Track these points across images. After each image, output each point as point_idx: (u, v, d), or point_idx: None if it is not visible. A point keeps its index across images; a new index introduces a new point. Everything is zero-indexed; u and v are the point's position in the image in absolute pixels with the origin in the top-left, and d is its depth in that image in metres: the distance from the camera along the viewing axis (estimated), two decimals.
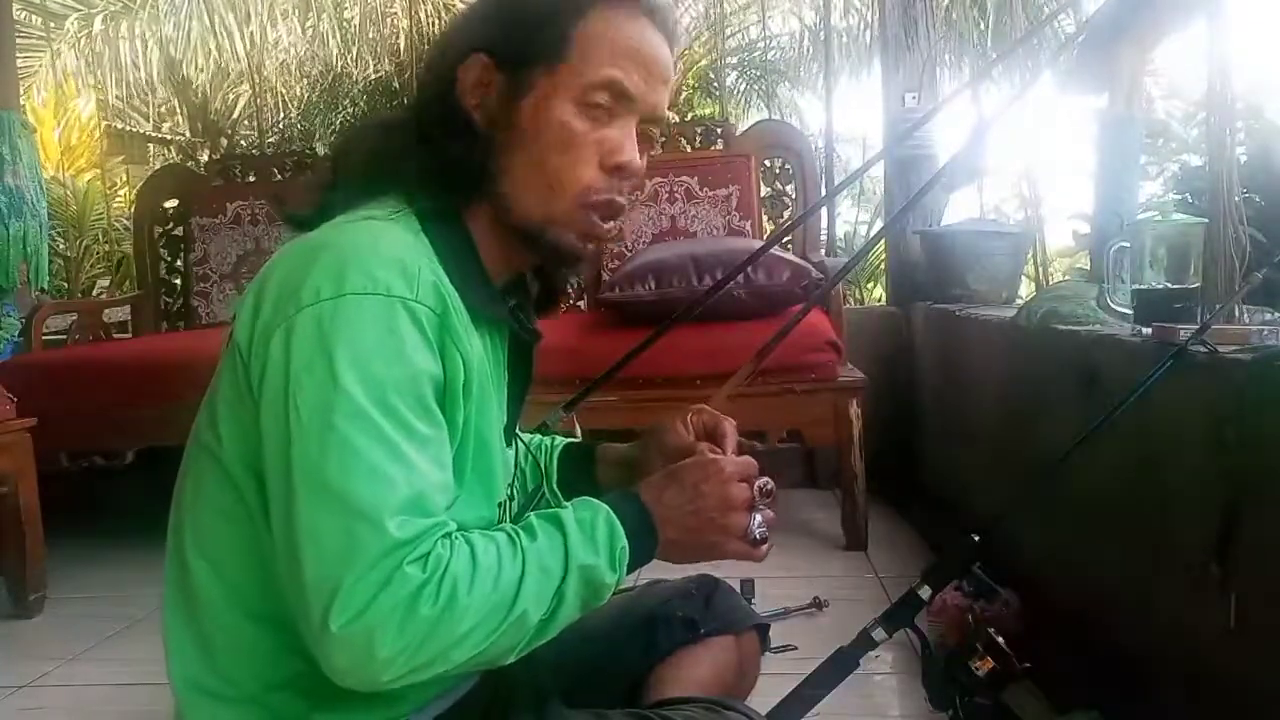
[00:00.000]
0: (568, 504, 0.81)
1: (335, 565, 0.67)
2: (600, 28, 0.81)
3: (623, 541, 0.79)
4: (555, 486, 1.07)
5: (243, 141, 7.42)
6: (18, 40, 4.02)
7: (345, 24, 6.94)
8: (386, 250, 0.75)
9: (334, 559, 0.68)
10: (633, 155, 0.83)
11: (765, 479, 0.85)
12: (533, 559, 0.74)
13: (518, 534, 0.76)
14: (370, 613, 0.67)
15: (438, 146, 0.82)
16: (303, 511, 0.69)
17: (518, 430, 1.00)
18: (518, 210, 0.83)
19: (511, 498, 0.95)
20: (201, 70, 6.88)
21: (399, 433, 0.70)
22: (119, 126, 7.43)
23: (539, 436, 1.12)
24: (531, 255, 0.88)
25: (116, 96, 7.20)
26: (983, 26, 5.48)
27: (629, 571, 0.80)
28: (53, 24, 6.62)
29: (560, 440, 1.11)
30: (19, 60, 3.93)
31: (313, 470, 0.69)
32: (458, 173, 0.82)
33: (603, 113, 0.81)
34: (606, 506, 0.80)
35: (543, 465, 1.08)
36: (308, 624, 0.69)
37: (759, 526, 0.84)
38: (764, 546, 0.84)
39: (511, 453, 0.94)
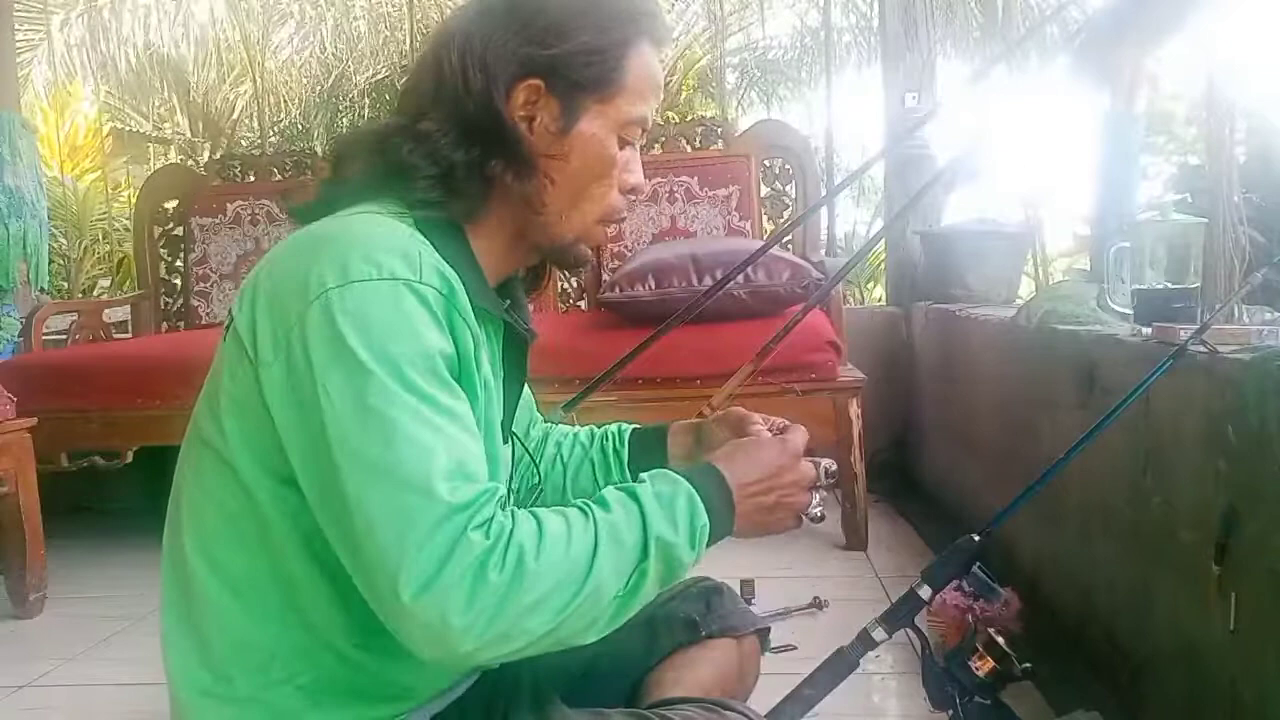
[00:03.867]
0: (645, 476, 0.80)
1: (395, 538, 0.68)
2: (639, 62, 0.85)
3: (703, 519, 0.78)
4: (626, 469, 1.08)
5: (243, 141, 7.42)
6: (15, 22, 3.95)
7: (347, 24, 6.94)
8: (387, 238, 0.76)
9: (392, 533, 0.68)
10: (641, 176, 0.91)
11: (829, 460, 0.89)
12: (605, 531, 0.74)
13: (589, 506, 0.76)
14: (440, 581, 0.67)
15: (476, 161, 0.83)
16: (353, 495, 0.69)
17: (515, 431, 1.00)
18: (555, 227, 0.87)
19: (508, 494, 0.95)
20: (202, 67, 6.89)
21: (426, 406, 0.71)
22: (119, 126, 7.43)
23: (605, 426, 1.12)
24: (549, 262, 0.95)
25: (109, 92, 7.20)
26: (979, 29, 5.48)
27: (706, 548, 0.80)
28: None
29: (627, 426, 1.11)
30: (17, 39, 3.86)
31: (355, 453, 0.70)
32: (496, 187, 0.84)
33: (628, 141, 0.88)
34: (686, 481, 0.80)
35: (603, 451, 1.09)
36: (379, 602, 0.70)
37: (817, 506, 0.88)
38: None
39: (508, 450, 0.94)
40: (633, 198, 0.91)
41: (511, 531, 0.70)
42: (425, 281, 0.74)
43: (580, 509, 0.76)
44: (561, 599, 0.71)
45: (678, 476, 0.80)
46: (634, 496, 0.77)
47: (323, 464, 0.71)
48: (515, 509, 0.74)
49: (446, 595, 0.67)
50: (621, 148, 0.87)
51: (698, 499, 0.78)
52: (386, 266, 0.73)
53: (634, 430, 1.10)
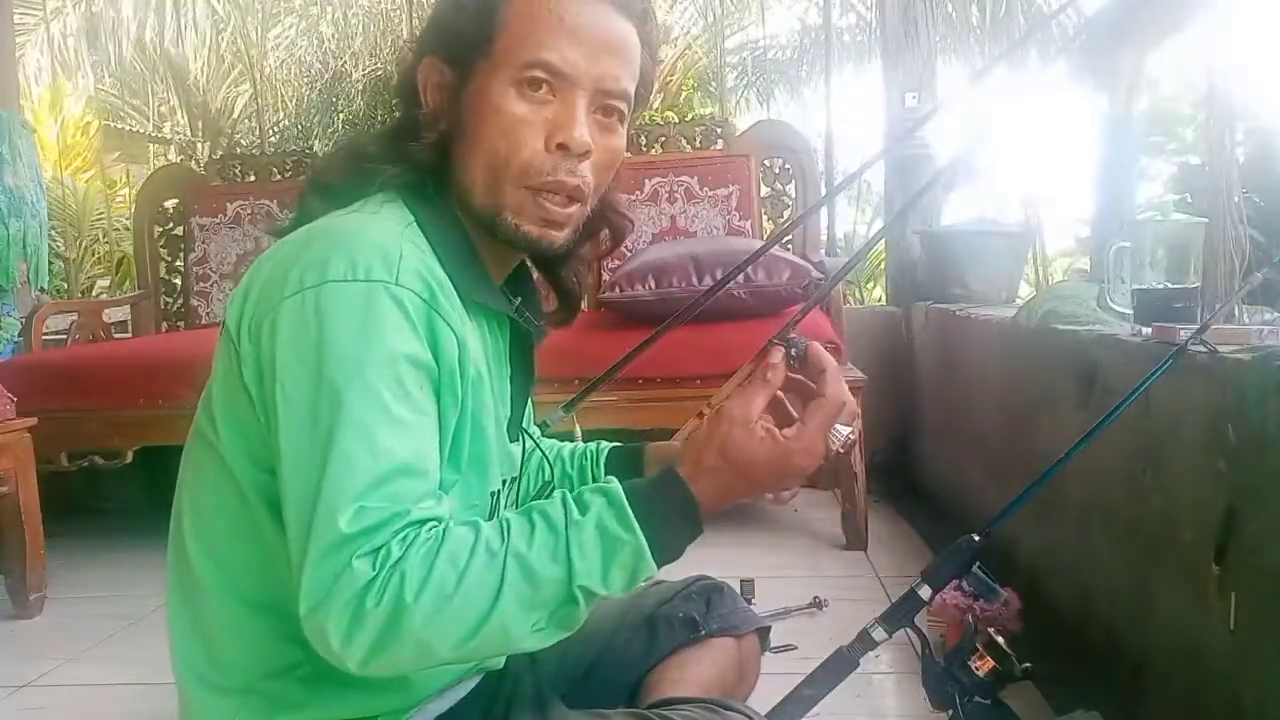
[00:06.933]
0: (594, 504, 0.74)
1: (300, 546, 0.69)
2: (527, 5, 0.80)
3: (649, 572, 0.74)
4: None
5: (243, 140, 7.41)
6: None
7: (345, 21, 6.94)
8: (369, 237, 0.76)
9: (298, 547, 0.69)
10: (576, 132, 0.80)
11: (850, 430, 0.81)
12: (516, 568, 0.70)
13: (507, 531, 0.72)
14: (324, 606, 0.68)
15: (409, 151, 0.83)
16: (285, 496, 0.71)
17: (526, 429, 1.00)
18: (474, 201, 0.83)
19: (516, 494, 0.95)
20: (201, 66, 6.88)
21: (372, 415, 0.70)
22: (118, 126, 7.42)
23: (582, 445, 1.10)
24: (505, 246, 0.87)
25: (114, 94, 7.19)
26: (980, 30, 5.48)
27: (672, 559, 0.76)
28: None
29: (605, 445, 1.08)
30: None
31: (291, 451, 0.71)
32: (427, 173, 0.84)
33: (545, 93, 0.80)
34: (641, 533, 0.73)
35: (581, 471, 1.06)
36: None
37: (847, 436, 0.81)
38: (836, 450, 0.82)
39: (517, 448, 0.94)
40: (572, 160, 0.80)
41: (399, 561, 0.68)
42: (402, 284, 0.73)
43: (500, 532, 0.72)
44: (456, 632, 0.69)
45: (633, 523, 0.73)
46: (566, 529, 0.72)
47: (273, 450, 0.73)
48: (424, 530, 0.70)
49: (329, 620, 0.68)
50: (541, 102, 0.80)
51: (648, 558, 0.73)
52: (363, 267, 0.73)
53: (610, 452, 1.07)
